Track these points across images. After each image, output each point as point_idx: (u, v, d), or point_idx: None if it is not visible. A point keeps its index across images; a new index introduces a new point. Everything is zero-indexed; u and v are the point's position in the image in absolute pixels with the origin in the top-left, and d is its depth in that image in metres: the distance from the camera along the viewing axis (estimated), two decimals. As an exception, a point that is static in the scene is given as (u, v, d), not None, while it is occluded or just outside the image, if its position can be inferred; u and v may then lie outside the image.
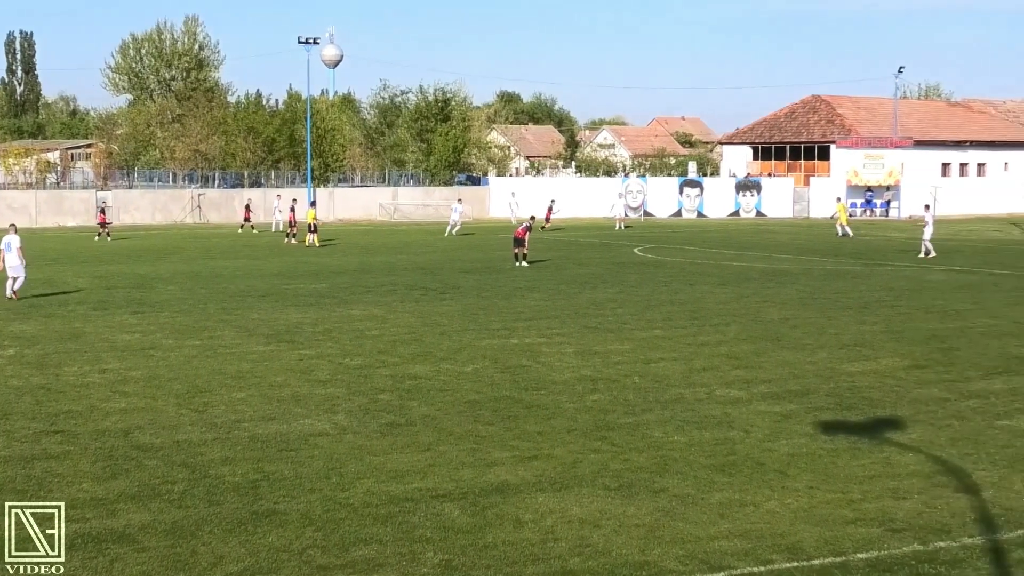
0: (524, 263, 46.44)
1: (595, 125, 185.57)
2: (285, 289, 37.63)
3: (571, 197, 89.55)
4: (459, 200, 74.06)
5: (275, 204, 72.59)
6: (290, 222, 63.15)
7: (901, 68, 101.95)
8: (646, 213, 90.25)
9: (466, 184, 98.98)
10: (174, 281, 40.12)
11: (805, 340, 26.93)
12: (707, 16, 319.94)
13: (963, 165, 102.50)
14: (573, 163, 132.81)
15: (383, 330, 28.41)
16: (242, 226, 72.59)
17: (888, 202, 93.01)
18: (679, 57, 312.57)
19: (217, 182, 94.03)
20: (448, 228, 69.33)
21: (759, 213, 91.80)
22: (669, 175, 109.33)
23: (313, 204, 65.98)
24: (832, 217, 70.89)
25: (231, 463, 16.00)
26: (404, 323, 29.68)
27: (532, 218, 52.72)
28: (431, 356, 24.64)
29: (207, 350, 25.29)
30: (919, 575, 12.03)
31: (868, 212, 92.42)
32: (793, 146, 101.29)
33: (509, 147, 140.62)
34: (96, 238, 64.47)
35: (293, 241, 60.97)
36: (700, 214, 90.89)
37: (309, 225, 60.02)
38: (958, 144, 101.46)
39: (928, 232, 52.66)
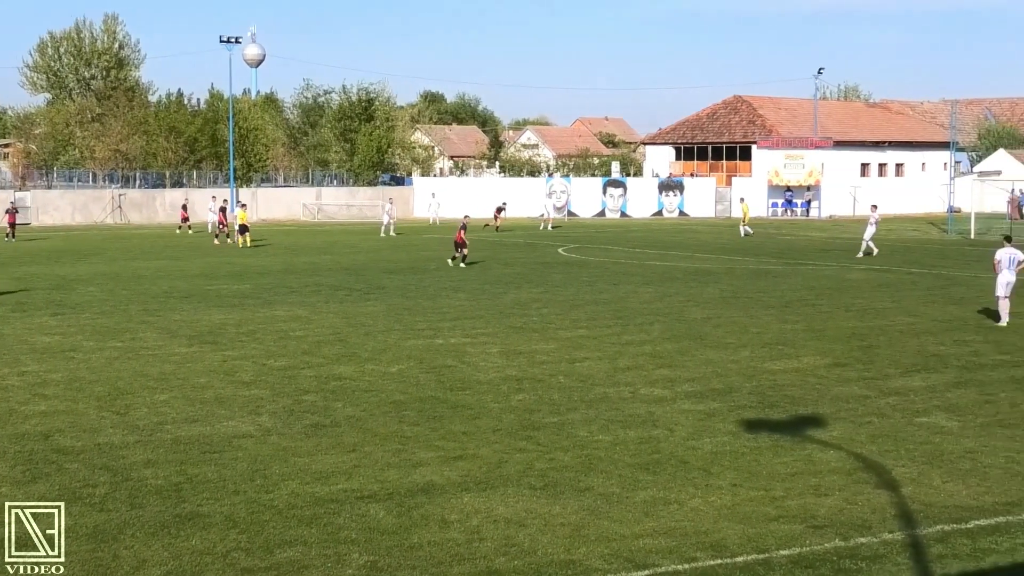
0: (462, 264, 46.17)
1: (519, 125, 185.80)
2: (208, 290, 37.32)
3: (495, 197, 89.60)
4: (390, 200, 73.58)
5: (210, 205, 71.80)
6: (220, 223, 62.53)
7: (821, 69, 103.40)
8: (570, 213, 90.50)
9: (390, 184, 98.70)
10: (95, 282, 39.66)
11: (728, 339, 27.14)
12: (630, 16, 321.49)
13: (882, 165, 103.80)
14: (497, 163, 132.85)
15: (307, 331, 28.26)
16: (180, 227, 71.66)
17: (808, 202, 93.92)
18: (602, 57, 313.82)
19: (138, 182, 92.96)
20: (382, 228, 68.96)
21: (682, 213, 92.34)
22: (593, 175, 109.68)
23: (243, 206, 65.14)
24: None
25: (154, 466, 15.84)
26: (328, 324, 29.54)
27: (466, 217, 52.17)
28: (356, 357, 24.55)
29: (129, 352, 25.02)
30: (841, 571, 12.16)
31: (789, 212, 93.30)
32: (715, 146, 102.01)
33: (433, 147, 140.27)
34: (5, 239, 63.55)
35: (228, 241, 60.40)
36: (624, 214, 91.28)
37: (240, 227, 59.29)
38: (877, 145, 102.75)
39: (870, 232, 52.78)
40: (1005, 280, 29.55)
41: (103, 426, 18.17)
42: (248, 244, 58.09)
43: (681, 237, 67.25)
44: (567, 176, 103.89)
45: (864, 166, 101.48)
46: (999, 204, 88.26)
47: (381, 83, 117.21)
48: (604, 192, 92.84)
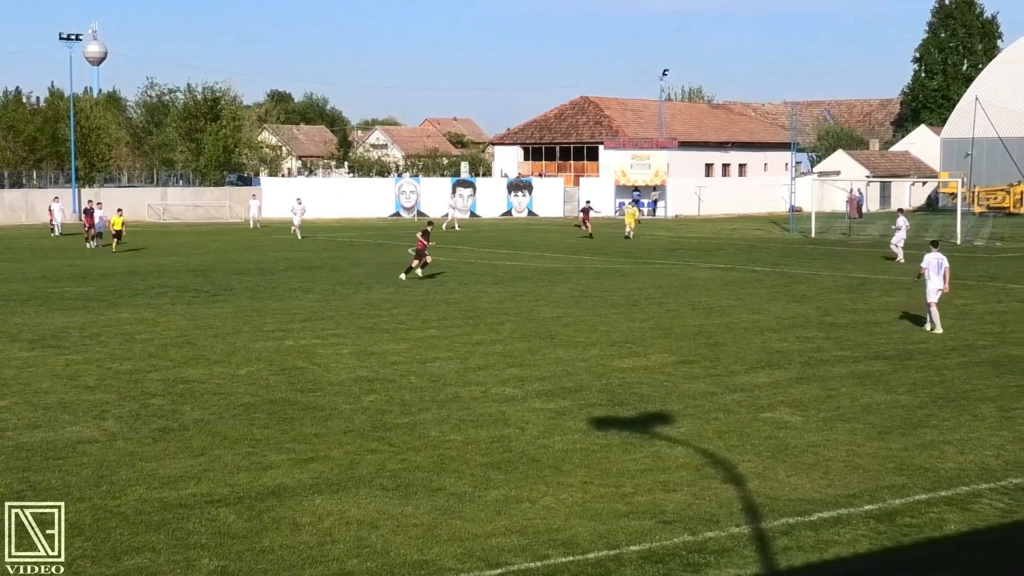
0: (419, 273, 41.92)
1: (368, 125, 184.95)
2: (50, 292, 36.45)
3: (344, 198, 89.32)
4: (298, 200, 69.83)
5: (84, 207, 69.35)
6: (87, 225, 59.81)
7: (666, 71, 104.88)
8: (419, 213, 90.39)
9: (237, 184, 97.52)
10: (-70, 285, 38.46)
11: (577, 338, 27.37)
12: (478, 17, 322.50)
13: (725, 165, 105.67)
14: (346, 163, 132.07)
15: (154, 333, 27.79)
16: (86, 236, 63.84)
17: (655, 202, 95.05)
18: (450, 57, 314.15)
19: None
20: (293, 229, 66.65)
21: (531, 213, 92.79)
22: (442, 175, 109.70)
23: (119, 211, 60.88)
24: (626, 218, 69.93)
25: (-5, 474, 15.43)
26: (176, 326, 29.08)
27: (430, 224, 48.82)
28: (204, 359, 24.21)
29: (-33, 357, 24.33)
30: (689, 565, 12.34)
31: (636, 212, 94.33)
32: (563, 147, 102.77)
33: (281, 147, 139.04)
34: None
35: (92, 244, 58.15)
36: (473, 214, 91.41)
37: (116, 232, 56.58)
38: (720, 145, 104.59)
39: (899, 236, 49.61)
40: (936, 287, 28.30)
41: (-59, 433, 17.64)
42: (113, 248, 55.48)
43: (530, 237, 67.61)
44: (416, 176, 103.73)
45: (708, 166, 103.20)
46: (839, 203, 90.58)
47: (227, 82, 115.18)
48: (454, 192, 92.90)
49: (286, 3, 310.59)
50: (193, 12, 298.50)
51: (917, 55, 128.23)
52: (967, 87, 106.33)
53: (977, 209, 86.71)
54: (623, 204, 74.52)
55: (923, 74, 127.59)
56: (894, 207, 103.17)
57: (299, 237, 64.73)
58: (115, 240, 56.64)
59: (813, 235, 67.58)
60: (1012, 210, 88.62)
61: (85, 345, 25.99)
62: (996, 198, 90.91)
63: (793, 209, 78.44)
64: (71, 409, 19.39)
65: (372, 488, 14.94)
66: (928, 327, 28.34)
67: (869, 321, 30.20)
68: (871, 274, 42.98)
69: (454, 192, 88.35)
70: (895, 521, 13.72)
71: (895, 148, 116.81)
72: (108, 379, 22.00)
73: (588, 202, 74.73)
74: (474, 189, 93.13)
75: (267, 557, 12.48)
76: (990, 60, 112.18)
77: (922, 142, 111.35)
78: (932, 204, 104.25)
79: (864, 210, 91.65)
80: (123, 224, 58.09)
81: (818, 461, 16.34)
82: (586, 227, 68.25)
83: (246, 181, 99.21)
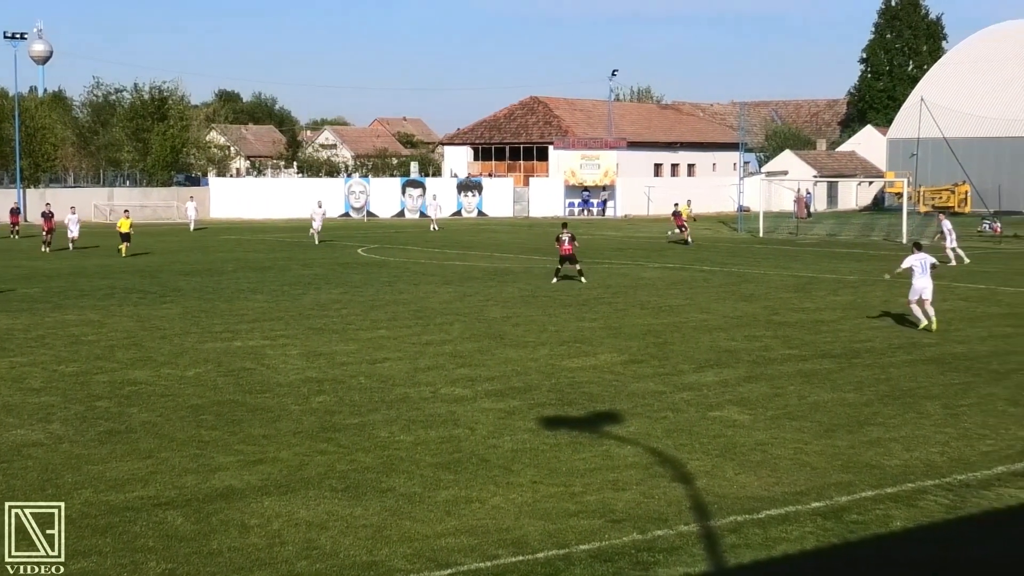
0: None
1: (317, 125, 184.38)
2: (-6, 294, 36.09)
3: (293, 198, 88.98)
4: (319, 203, 66.74)
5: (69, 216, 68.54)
6: (44, 229, 57.91)
7: (615, 72, 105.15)
8: (369, 213, 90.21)
9: (185, 184, 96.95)
10: None
11: (527, 337, 27.39)
12: (428, 17, 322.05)
13: (674, 165, 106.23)
14: (295, 163, 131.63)
15: (100, 335, 27.57)
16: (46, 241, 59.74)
17: (604, 202, 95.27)
18: (400, 57, 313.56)
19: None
20: (311, 232, 63.62)
21: (481, 213, 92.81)
22: (392, 175, 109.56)
23: (126, 212, 58.85)
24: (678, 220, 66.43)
25: (-62, 477, 15.26)
26: (122, 327, 28.87)
27: (565, 226, 42.52)
28: (151, 361, 24.05)
29: (-90, 359, 24.05)
30: (639, 563, 12.38)
31: (586, 211, 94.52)
32: (513, 147, 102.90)
33: (229, 147, 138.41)
34: None
35: (44, 249, 55.74)
36: (423, 214, 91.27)
37: (124, 234, 53.58)
38: (669, 145, 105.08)
39: (951, 240, 47.60)
40: (922, 285, 28.64)
41: None
42: (124, 253, 52.24)
43: (480, 237, 67.60)
44: (366, 176, 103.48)
45: (658, 166, 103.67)
46: (786, 203, 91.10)
47: (175, 82, 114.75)
48: (403, 192, 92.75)
49: (234, 2, 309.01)
50: (140, 11, 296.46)
51: (863, 56, 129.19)
52: (913, 88, 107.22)
53: (922, 208, 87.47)
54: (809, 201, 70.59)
55: (869, 75, 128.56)
56: (840, 206, 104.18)
57: (317, 242, 60.98)
58: (125, 244, 53.07)
59: (761, 235, 67.97)
60: (957, 210, 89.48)
61: (30, 347, 25.74)
62: (941, 198, 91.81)
63: (741, 209, 78.83)
64: (16, 412, 19.20)
65: (321, 489, 14.88)
66: (923, 325, 28.38)
67: (816, 320, 30.41)
68: (818, 273, 43.26)
69: (435, 196, 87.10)
70: (842, 518, 13.81)
71: (842, 148, 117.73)
72: (54, 381, 21.80)
73: (676, 204, 66.32)
74: (424, 189, 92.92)
75: (215, 560, 12.40)
76: (935, 61, 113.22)
77: (868, 142, 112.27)
78: (879, 204, 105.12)
79: (812, 210, 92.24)
80: (131, 227, 54.67)
81: (766, 459, 16.43)
82: (683, 232, 61.56)
83: (194, 181, 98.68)
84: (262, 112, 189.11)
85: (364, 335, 27.74)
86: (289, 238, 64.91)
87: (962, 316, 31.07)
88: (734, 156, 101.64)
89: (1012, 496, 14.74)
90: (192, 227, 73.68)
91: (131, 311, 32.08)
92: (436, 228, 75.22)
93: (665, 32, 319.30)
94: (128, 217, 56.05)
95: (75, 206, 63.52)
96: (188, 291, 37.25)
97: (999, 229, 66.89)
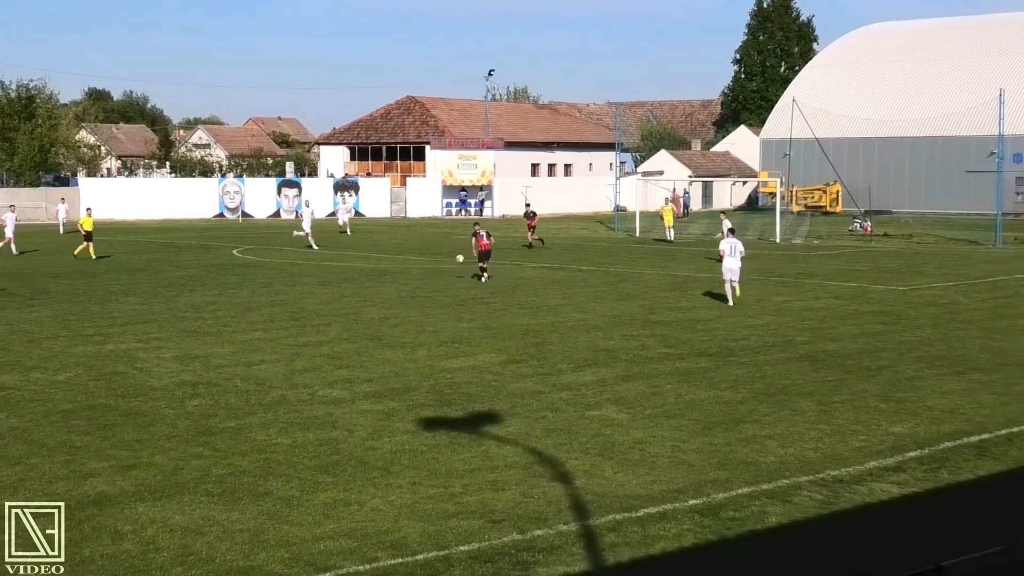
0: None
1: (190, 124, 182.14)
2: None
3: (166, 198, 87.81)
4: (307, 203, 65.94)
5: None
6: None
7: (491, 71, 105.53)
8: (244, 214, 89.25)
9: (54, 185, 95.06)
10: None
11: (405, 338, 27.34)
12: (302, 15, 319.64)
13: (551, 165, 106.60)
14: (168, 164, 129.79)
15: (-34, 339, 26.95)
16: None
17: (482, 201, 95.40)
18: (274, 56, 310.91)
19: None
20: (301, 234, 61.59)
21: (357, 213, 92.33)
22: (267, 175, 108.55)
23: (88, 210, 55.57)
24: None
25: None
26: (-11, 331, 28.25)
27: (476, 224, 44.79)
28: (20, 365, 23.56)
29: None
30: (519, 563, 12.42)
31: (463, 211, 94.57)
32: (389, 147, 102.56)
33: (100, 147, 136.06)
34: None
35: None
36: (299, 215, 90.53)
37: (85, 233, 51.85)
38: (546, 145, 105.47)
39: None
40: (730, 266, 33.44)
41: None
42: (92, 255, 50.40)
43: (357, 238, 67.28)
44: (241, 177, 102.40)
45: (535, 166, 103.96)
46: (662, 202, 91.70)
47: (42, 80, 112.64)
48: (279, 193, 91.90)
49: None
50: (5, 7, 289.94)
51: (737, 57, 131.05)
52: (785, 89, 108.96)
53: (795, 208, 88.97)
54: (668, 199, 70.92)
55: (743, 75, 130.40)
56: (716, 206, 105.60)
57: (315, 246, 57.71)
58: (88, 243, 51.21)
59: (638, 234, 68.59)
60: (828, 209, 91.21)
61: None
62: (813, 197, 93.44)
63: (618, 208, 79.39)
64: None
65: (197, 494, 14.71)
66: (731, 303, 33.02)
67: (692, 319, 30.79)
68: (694, 272, 43.79)
69: (344, 198, 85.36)
70: (719, 515, 14.00)
71: (716, 148, 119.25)
72: (-82, 387, 21.26)
73: (529, 205, 65.97)
74: (300, 189, 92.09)
75: (88, 568, 12.20)
76: (806, 62, 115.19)
77: (742, 142, 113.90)
78: (752, 203, 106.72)
79: (689, 209, 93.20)
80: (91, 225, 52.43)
81: (644, 457, 16.59)
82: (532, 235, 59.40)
83: (63, 181, 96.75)
84: (134, 111, 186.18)
85: (240, 337, 27.47)
86: (163, 239, 64.03)
87: (834, 314, 31.68)
88: (610, 156, 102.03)
89: (883, 491, 15.08)
90: (62, 229, 71.18)
91: (-2, 314, 31.40)
92: (344, 231, 71.38)
93: (541, 32, 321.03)
94: (90, 214, 53.93)
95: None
96: (58, 293, 36.56)
97: (869, 228, 68.38)
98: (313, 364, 23.88)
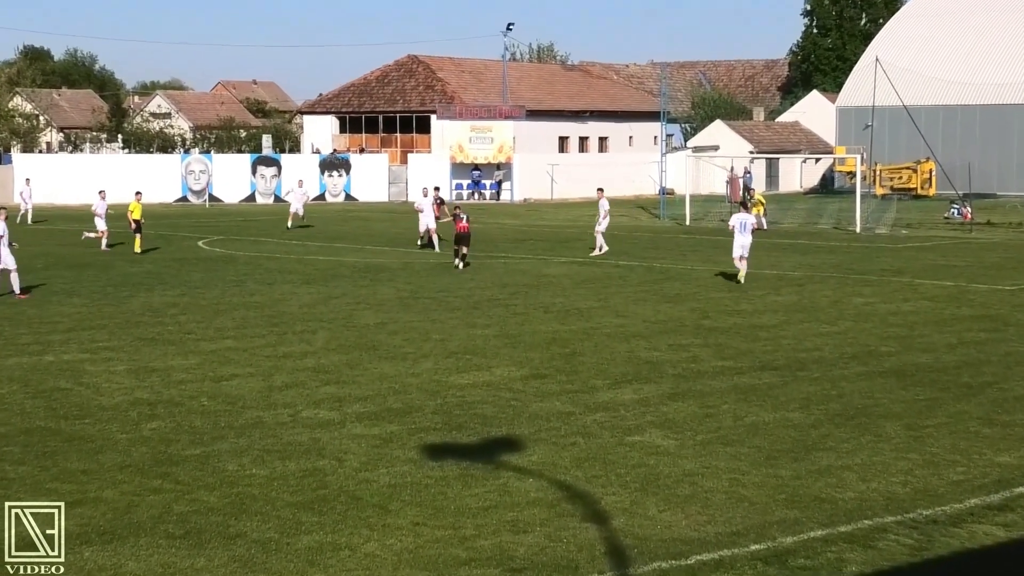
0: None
1: (147, 90, 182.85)
2: None
3: (118, 178, 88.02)
4: (300, 182, 68.46)
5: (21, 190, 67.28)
6: None
7: (510, 25, 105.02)
8: (212, 198, 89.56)
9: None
10: None
11: (406, 348, 27.37)
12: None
13: (583, 139, 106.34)
14: (120, 136, 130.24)
15: None
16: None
17: (499, 183, 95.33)
18: (248, 9, 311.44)
19: None
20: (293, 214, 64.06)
21: (349, 197, 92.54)
22: (240, 151, 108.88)
23: (139, 194, 55.35)
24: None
25: None
26: (-95, 339, 28.42)
27: (457, 207, 47.14)
28: (-58, 380, 23.69)
29: None
30: (544, 621, 12.42)
31: (477, 195, 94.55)
32: (387, 116, 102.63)
33: (38, 116, 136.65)
34: None
35: None
36: (278, 198, 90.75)
37: (135, 223, 51.70)
38: (577, 115, 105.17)
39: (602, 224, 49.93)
40: (742, 242, 38.59)
41: None
42: (138, 248, 50.58)
43: (348, 226, 67.40)
44: (208, 153, 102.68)
45: (563, 140, 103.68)
46: (717, 184, 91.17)
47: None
48: (254, 172, 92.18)
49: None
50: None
51: (808, 7, 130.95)
52: (866, 46, 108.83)
53: (879, 191, 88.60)
54: (750, 181, 71.39)
55: (815, 31, 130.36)
56: (782, 188, 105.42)
57: (289, 226, 62.16)
58: (138, 236, 51.39)
59: (688, 223, 68.54)
60: (919, 192, 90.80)
61: None
62: (901, 178, 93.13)
63: (664, 192, 79.45)
64: None
65: (155, 536, 14.73)
66: (741, 280, 38.37)
67: (753, 324, 30.75)
68: (756, 268, 43.69)
69: (300, 183, 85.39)
70: (787, 563, 13.97)
71: (782, 118, 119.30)
72: None
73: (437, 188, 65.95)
74: (279, 168, 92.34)
75: (23, 626, 12.26)
76: (892, 14, 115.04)
77: (814, 111, 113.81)
78: (827, 185, 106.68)
79: (752, 192, 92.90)
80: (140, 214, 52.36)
81: (695, 493, 16.56)
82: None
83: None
84: (78, 74, 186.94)
85: (207, 346, 27.55)
86: (113, 227, 64.18)
87: (927, 319, 31.61)
88: (655, 128, 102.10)
89: (987, 534, 15.02)
90: (29, 218, 70.82)
91: (-84, 319, 31.60)
92: (295, 223, 71.07)
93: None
94: (139, 200, 53.78)
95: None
96: (-13, 294, 36.73)
97: (969, 215, 68.11)
98: (295, 379, 23.91)
